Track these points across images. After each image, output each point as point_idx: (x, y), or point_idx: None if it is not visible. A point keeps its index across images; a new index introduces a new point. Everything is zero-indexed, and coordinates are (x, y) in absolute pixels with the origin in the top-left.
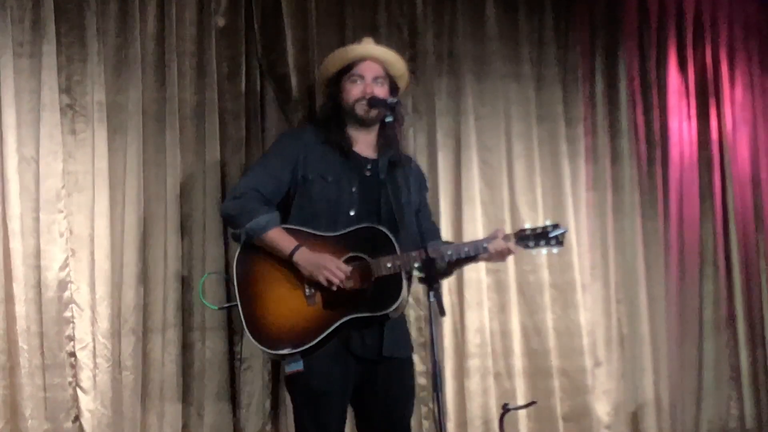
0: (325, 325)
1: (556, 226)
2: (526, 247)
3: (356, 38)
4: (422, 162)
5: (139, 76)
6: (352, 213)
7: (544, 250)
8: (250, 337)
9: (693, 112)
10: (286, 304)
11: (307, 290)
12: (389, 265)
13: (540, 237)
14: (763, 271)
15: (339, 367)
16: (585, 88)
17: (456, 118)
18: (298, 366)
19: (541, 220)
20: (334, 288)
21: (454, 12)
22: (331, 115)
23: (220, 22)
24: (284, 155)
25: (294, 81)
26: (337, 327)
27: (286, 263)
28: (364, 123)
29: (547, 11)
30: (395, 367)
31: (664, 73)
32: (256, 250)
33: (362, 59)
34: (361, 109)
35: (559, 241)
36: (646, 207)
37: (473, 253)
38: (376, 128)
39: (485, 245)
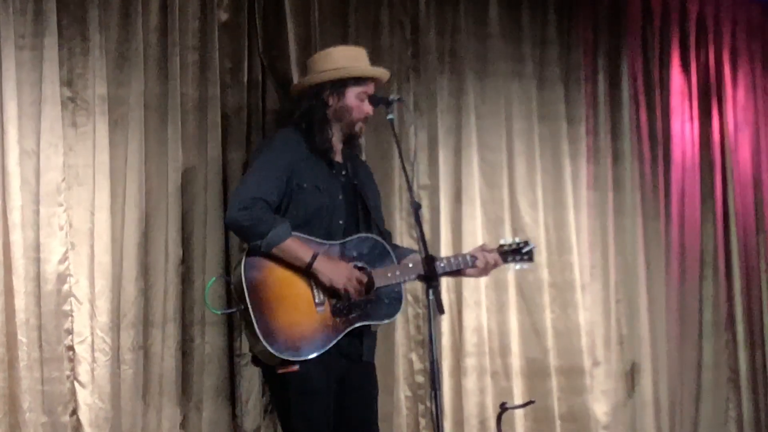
0: (335, 331)
1: (526, 243)
2: (505, 261)
3: (359, 36)
4: (422, 160)
5: (141, 70)
6: (341, 222)
7: (517, 266)
8: (263, 342)
9: (695, 113)
10: (297, 310)
11: (316, 297)
12: (389, 275)
13: (515, 252)
14: (763, 272)
15: (326, 366)
16: (587, 88)
17: (457, 117)
18: (294, 365)
19: (542, 220)
20: (352, 298)
21: (456, 10)
22: (323, 120)
23: (223, 16)
24: (281, 163)
25: (295, 77)
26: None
27: (295, 269)
28: (352, 137)
29: (550, 10)
30: (370, 372)
31: (666, 73)
32: (262, 255)
33: (372, 79)
34: (359, 126)
35: (530, 257)
36: (647, 207)
37: (462, 266)
38: None
39: (475, 259)
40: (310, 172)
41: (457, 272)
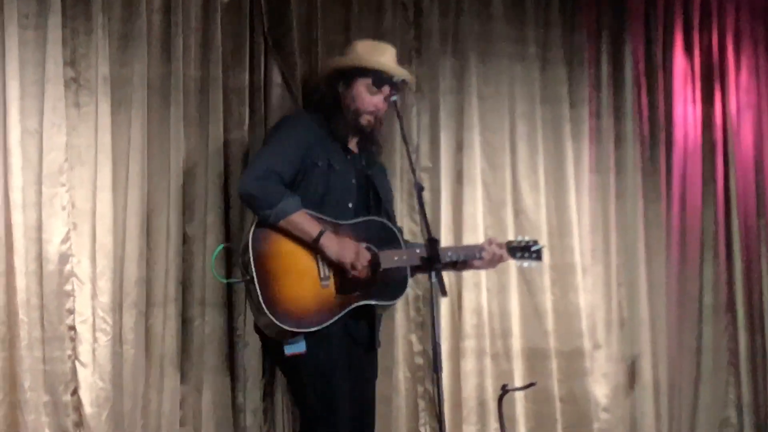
0: (338, 307)
1: (535, 242)
2: (513, 257)
3: (361, 17)
4: (424, 142)
5: (145, 50)
6: (350, 205)
7: (525, 263)
8: (267, 313)
9: (698, 96)
10: (301, 284)
11: (321, 272)
12: (396, 258)
13: (524, 250)
14: (764, 256)
15: (340, 348)
16: (590, 70)
17: (459, 98)
18: (300, 348)
19: (544, 202)
20: (356, 273)
21: None
22: (334, 105)
23: None
24: (298, 140)
25: (298, 59)
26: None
27: (302, 243)
28: (358, 130)
29: None
30: (373, 357)
31: (670, 56)
32: (270, 227)
33: (391, 77)
34: (365, 119)
35: (539, 256)
36: (648, 190)
37: (469, 257)
38: None
39: (482, 250)
40: (324, 152)
41: (463, 263)
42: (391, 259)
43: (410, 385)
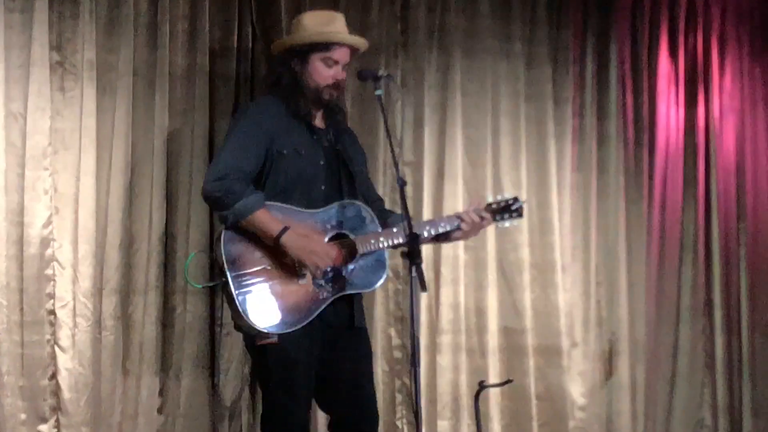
0: (316, 302)
1: (516, 199)
2: (494, 219)
3: (349, 9)
4: (408, 136)
5: (131, 36)
6: (322, 187)
7: (506, 223)
8: (244, 317)
9: (681, 98)
10: (277, 282)
11: (297, 268)
12: (373, 241)
13: (503, 210)
14: (743, 259)
15: (310, 335)
16: (575, 69)
17: (443, 94)
18: (273, 337)
19: (525, 199)
20: (319, 274)
21: None
22: (292, 85)
23: None
24: (259, 130)
25: None
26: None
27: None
28: (321, 105)
29: None
30: (361, 335)
31: (654, 57)
32: (242, 229)
33: (340, 44)
34: (327, 93)
35: (519, 213)
36: (630, 190)
37: (449, 227)
38: None
39: (460, 220)
40: (289, 138)
41: (444, 236)
42: (367, 243)
43: (388, 378)
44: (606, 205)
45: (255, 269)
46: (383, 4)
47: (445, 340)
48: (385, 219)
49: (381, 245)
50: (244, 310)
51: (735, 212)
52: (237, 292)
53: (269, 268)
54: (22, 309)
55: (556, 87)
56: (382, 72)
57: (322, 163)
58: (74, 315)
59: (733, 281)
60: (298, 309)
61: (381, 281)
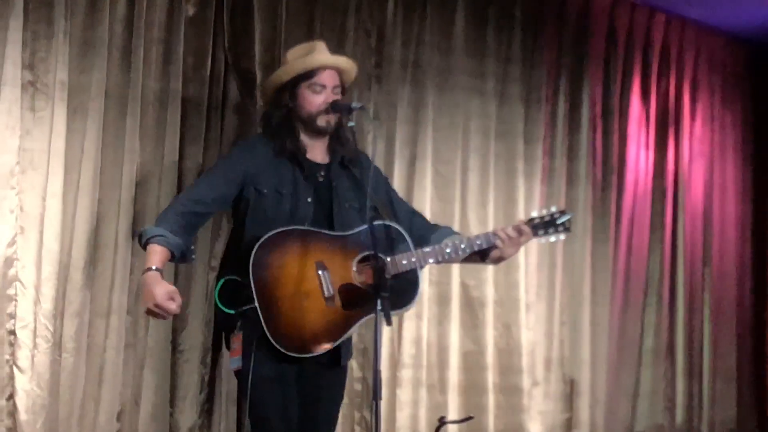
0: (347, 324)
1: (562, 213)
2: (536, 234)
3: (326, 41)
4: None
5: (105, 59)
6: (306, 225)
7: (552, 238)
8: (272, 341)
9: (652, 141)
10: (307, 306)
11: (326, 291)
12: (405, 262)
13: (549, 224)
14: (707, 304)
15: (286, 364)
16: (547, 108)
17: (414, 128)
18: (235, 364)
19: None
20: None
21: (423, 22)
22: (283, 123)
23: (191, 10)
24: (232, 169)
25: (259, 76)
26: None
27: (302, 265)
28: (321, 133)
29: (515, 29)
30: (342, 375)
31: (626, 100)
32: (269, 252)
33: (323, 68)
34: (322, 120)
35: (566, 227)
36: (597, 231)
37: (485, 245)
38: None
39: (496, 235)
40: (272, 178)
41: (482, 255)
42: (400, 263)
43: (348, 411)
44: (573, 245)
45: (283, 292)
46: (359, 37)
47: (405, 374)
48: (429, 235)
49: (412, 266)
50: (273, 336)
51: (701, 257)
52: (265, 318)
53: (298, 291)
54: None
55: (527, 126)
56: (354, 104)
57: (309, 200)
58: (34, 336)
59: (696, 325)
60: (327, 332)
61: (414, 300)
